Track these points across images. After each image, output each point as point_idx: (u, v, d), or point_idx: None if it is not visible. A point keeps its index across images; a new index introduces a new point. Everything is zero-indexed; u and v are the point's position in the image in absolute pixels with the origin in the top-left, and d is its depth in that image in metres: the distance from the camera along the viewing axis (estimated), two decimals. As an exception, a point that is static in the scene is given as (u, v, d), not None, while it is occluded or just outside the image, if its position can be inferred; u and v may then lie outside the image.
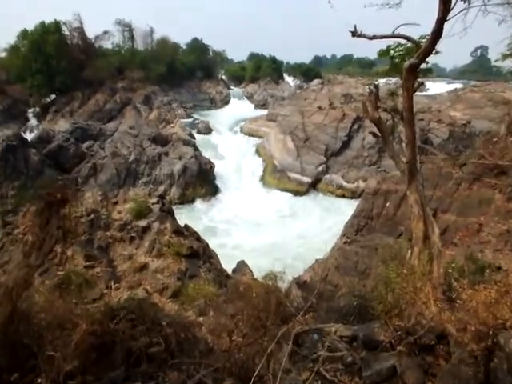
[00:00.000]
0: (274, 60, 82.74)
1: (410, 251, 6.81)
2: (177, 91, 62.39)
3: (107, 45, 58.57)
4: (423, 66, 6.63)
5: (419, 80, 7.02)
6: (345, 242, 14.90)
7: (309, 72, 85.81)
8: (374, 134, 8.79)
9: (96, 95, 47.26)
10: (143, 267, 11.73)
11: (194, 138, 42.55)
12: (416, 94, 7.10)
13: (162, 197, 15.40)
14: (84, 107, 45.96)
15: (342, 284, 11.98)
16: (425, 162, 14.64)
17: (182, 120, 48.56)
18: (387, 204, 15.43)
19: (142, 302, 5.40)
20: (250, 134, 46.31)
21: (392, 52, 7.61)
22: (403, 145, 7.15)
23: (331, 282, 13.05)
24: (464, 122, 35.25)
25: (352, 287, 8.97)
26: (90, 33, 54.90)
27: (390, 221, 14.80)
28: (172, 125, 45.84)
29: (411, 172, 6.98)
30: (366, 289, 7.08)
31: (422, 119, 34.16)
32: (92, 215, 13.21)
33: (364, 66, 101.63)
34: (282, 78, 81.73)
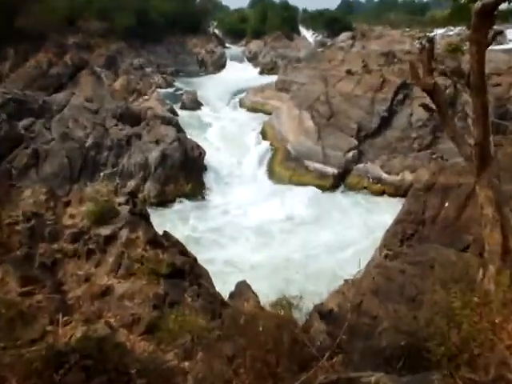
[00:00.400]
0: (286, 6, 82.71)
1: (481, 271, 6.71)
2: (152, 50, 62.01)
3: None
4: (503, 6, 6.44)
5: (496, 28, 6.80)
6: (386, 257, 14.84)
7: (335, 22, 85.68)
8: (427, 107, 8.73)
9: (37, 54, 46.41)
10: (105, 292, 11.61)
11: (177, 115, 42.24)
12: (491, 48, 6.98)
13: (132, 195, 15.40)
14: (19, 71, 45.19)
15: (383, 315, 11.57)
16: (503, 144, 14.51)
17: (160, 90, 48.57)
18: (446, 204, 15.28)
19: (102, 342, 5.39)
20: (254, 110, 46.16)
21: (456, -12, 7.50)
22: (470, 121, 7.17)
23: (368, 312, 12.58)
24: None
25: (398, 320, 8.87)
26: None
27: (451, 227, 14.58)
28: (146, 97, 45.61)
29: (482, 158, 6.89)
30: (419, 323, 7.05)
31: (499, 84, 33.66)
32: (33, 221, 12.96)
33: (413, 12, 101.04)
34: (297, 31, 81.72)
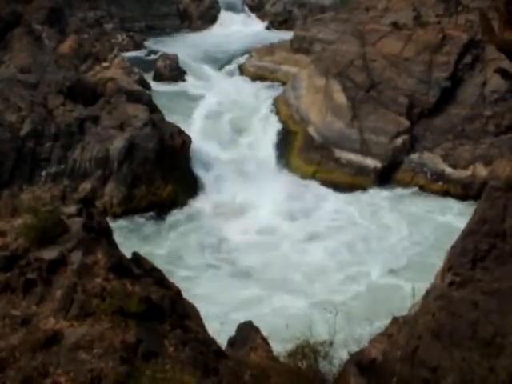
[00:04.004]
0: None
1: None
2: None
3: None
4: None
5: None
6: (451, 284, 15.15)
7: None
8: (506, 74, 9.08)
9: None
10: (52, 340, 11.70)
11: (150, 89, 43.65)
12: None
13: (87, 202, 15.52)
14: None
15: (447, 365, 12.23)
16: None
17: (126, 54, 50.17)
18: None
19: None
20: (260, 79, 47.85)
21: None
22: None
23: (426, 362, 13.18)
24: None
25: (467, 372, 9.62)
26: None
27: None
28: (105, 63, 46.88)
29: None
30: (498, 376, 6.82)
31: None
32: None
33: None
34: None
